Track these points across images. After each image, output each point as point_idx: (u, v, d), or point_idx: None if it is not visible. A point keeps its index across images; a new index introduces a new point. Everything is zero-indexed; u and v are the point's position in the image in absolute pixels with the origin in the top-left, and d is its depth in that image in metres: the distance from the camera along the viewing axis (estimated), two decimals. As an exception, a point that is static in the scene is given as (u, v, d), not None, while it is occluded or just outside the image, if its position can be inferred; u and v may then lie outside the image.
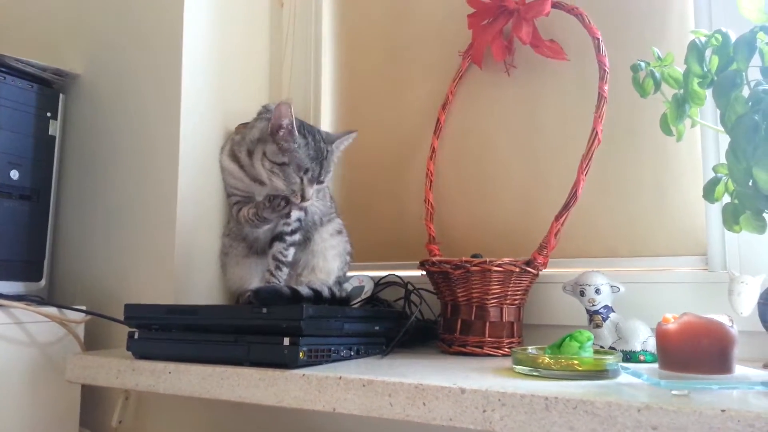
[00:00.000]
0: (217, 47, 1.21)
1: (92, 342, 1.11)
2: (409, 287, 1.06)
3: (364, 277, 1.15)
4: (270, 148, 0.97)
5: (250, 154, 1.00)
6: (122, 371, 0.87)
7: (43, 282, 1.16)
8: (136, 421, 1.13)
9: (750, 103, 0.69)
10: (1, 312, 0.99)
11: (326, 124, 1.34)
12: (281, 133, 0.96)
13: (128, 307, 0.90)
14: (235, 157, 1.05)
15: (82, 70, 1.27)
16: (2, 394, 0.97)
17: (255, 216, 1.02)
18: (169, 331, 0.88)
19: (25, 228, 1.14)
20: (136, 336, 0.90)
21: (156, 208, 1.11)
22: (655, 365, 0.69)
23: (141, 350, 0.89)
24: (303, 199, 0.98)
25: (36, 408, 1.02)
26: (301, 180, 0.97)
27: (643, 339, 0.83)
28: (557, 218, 0.93)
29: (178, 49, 1.13)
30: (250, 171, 1.02)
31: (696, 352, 0.64)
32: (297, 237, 1.06)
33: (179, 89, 1.12)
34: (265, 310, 0.79)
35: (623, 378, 0.70)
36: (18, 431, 0.99)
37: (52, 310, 1.05)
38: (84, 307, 1.09)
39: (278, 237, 1.05)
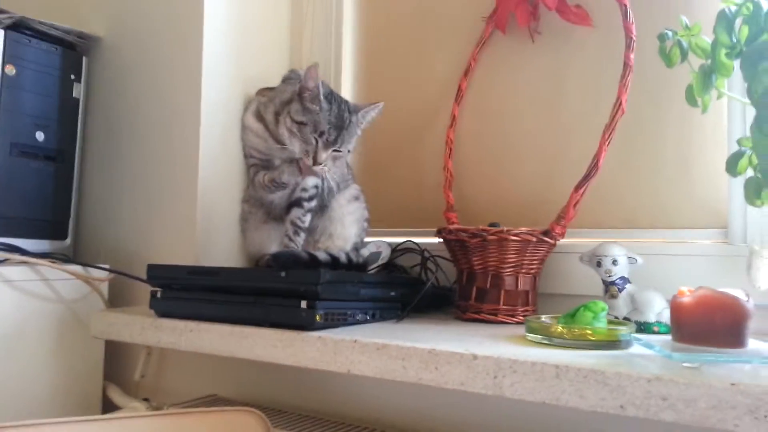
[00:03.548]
0: (239, 11, 1.20)
1: (115, 300, 1.14)
2: (426, 254, 1.07)
3: (381, 243, 1.16)
4: (294, 107, 0.99)
5: (276, 115, 1.02)
6: (145, 328, 0.90)
7: (68, 241, 1.19)
8: (158, 375, 1.17)
9: (779, 76, 0.67)
10: (28, 269, 1.02)
11: (347, 89, 1.33)
12: (306, 95, 0.98)
13: (151, 267, 0.92)
14: (260, 117, 1.07)
15: (105, 33, 1.27)
16: (30, 348, 1.01)
17: (271, 182, 1.03)
18: (190, 291, 0.90)
19: (51, 188, 1.16)
20: (158, 295, 0.92)
21: (178, 170, 1.13)
22: (669, 337, 0.69)
23: (163, 309, 0.92)
24: (315, 161, 0.98)
25: (62, 362, 1.06)
26: (316, 142, 0.98)
27: (658, 310, 0.83)
28: (577, 189, 0.92)
29: (199, 13, 1.13)
30: (274, 132, 1.04)
31: (709, 325, 0.64)
32: (314, 203, 1.08)
33: (200, 53, 1.12)
34: (283, 273, 0.80)
35: (635, 349, 0.70)
36: (45, 384, 1.03)
37: (77, 268, 1.08)
38: (108, 266, 1.12)
39: (296, 203, 1.07)
